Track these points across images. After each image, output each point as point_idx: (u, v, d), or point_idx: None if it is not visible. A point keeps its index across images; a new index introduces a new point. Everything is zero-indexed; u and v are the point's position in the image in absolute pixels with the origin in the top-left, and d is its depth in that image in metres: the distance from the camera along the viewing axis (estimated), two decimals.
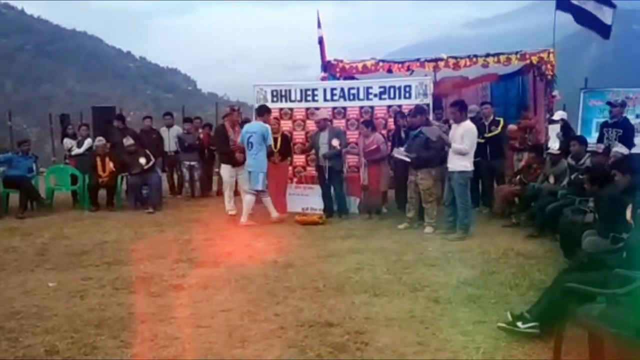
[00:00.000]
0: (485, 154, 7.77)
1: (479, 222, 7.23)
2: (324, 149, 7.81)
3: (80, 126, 10.65)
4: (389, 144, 7.85)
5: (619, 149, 6.56)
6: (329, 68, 9.45)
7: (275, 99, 8.53)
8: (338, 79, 9.32)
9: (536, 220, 6.58)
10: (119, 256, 5.93)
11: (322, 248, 6.17)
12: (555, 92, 8.69)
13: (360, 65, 9.33)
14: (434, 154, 6.83)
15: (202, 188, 10.37)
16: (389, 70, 9.26)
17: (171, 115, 10.87)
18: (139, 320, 3.99)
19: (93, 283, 4.93)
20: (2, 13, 71.83)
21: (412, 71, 9.18)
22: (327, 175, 7.87)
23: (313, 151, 8.12)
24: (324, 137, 7.85)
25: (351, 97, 8.31)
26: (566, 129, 7.98)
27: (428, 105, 7.71)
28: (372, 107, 8.24)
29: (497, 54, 8.90)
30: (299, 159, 8.58)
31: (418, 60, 9.28)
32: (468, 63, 8.95)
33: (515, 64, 9.17)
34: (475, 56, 8.94)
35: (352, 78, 9.38)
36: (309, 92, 8.48)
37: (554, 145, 7.22)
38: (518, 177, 7.69)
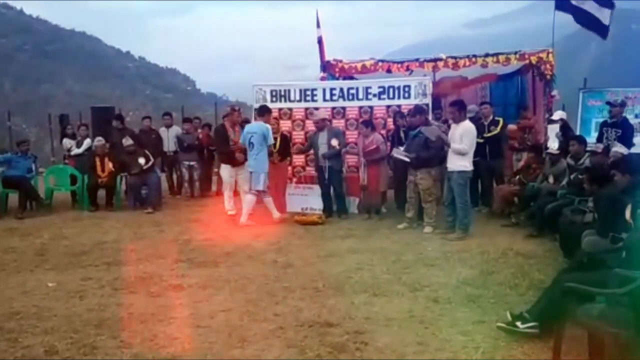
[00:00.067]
0: (484, 154, 7.77)
1: (478, 222, 7.24)
2: (322, 149, 7.82)
3: (79, 126, 10.66)
4: (388, 144, 7.86)
5: (619, 148, 6.55)
6: (328, 68, 9.44)
7: (274, 99, 8.53)
8: (337, 79, 9.32)
9: (535, 220, 6.59)
10: (118, 256, 5.92)
11: (321, 248, 6.17)
12: (554, 92, 8.69)
13: (359, 65, 9.33)
14: (433, 154, 6.83)
15: (201, 188, 10.37)
16: (388, 70, 9.26)
17: (170, 116, 10.85)
18: (138, 320, 3.99)
19: (92, 283, 4.93)
20: (1, 13, 71.70)
21: (412, 71, 9.17)
22: (326, 175, 7.87)
23: (312, 151, 8.12)
24: (322, 137, 7.85)
25: (350, 97, 8.31)
26: (565, 129, 7.99)
27: (427, 105, 7.71)
28: (371, 107, 8.24)
29: (496, 54, 8.89)
30: (298, 159, 8.58)
31: (417, 60, 9.28)
32: (467, 63, 8.94)
33: (515, 64, 9.16)
34: (475, 56, 8.94)
35: (352, 78, 9.38)
36: (308, 92, 8.48)
37: (553, 145, 7.23)
38: (517, 177, 7.70)
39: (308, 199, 8.34)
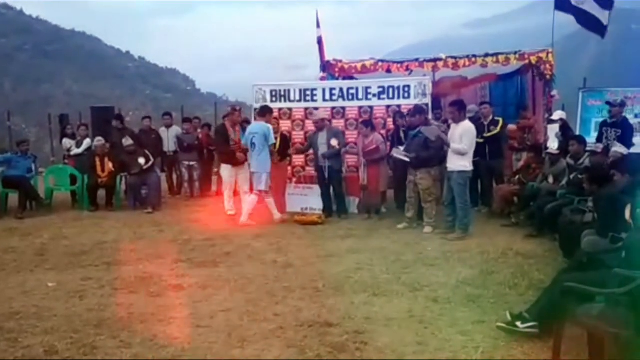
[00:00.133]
0: (484, 154, 7.77)
1: (478, 222, 7.24)
2: (322, 149, 7.82)
3: (79, 126, 10.66)
4: (388, 144, 7.85)
5: (618, 148, 6.56)
6: (328, 68, 9.45)
7: (274, 99, 8.52)
8: (337, 79, 9.32)
9: (535, 220, 6.59)
10: (118, 256, 5.92)
11: (321, 248, 6.17)
12: (554, 92, 8.70)
13: (359, 65, 9.34)
14: (433, 154, 6.83)
15: (201, 188, 10.37)
16: (388, 70, 9.26)
17: (170, 116, 10.86)
18: (138, 320, 3.99)
19: (92, 283, 4.93)
20: (1, 13, 71.74)
21: (411, 71, 9.17)
22: (326, 175, 7.87)
23: (312, 151, 8.12)
24: (322, 137, 7.85)
25: (350, 97, 8.31)
26: (565, 129, 7.99)
27: (427, 105, 7.71)
28: (371, 107, 8.24)
29: (496, 54, 8.90)
30: (298, 159, 8.58)
31: (417, 60, 9.28)
32: (467, 63, 8.95)
33: (514, 64, 9.16)
34: (474, 56, 8.95)
35: (351, 78, 9.38)
36: (308, 92, 8.48)
37: (553, 145, 7.23)
38: (517, 177, 7.70)
39: (308, 199, 8.34)
